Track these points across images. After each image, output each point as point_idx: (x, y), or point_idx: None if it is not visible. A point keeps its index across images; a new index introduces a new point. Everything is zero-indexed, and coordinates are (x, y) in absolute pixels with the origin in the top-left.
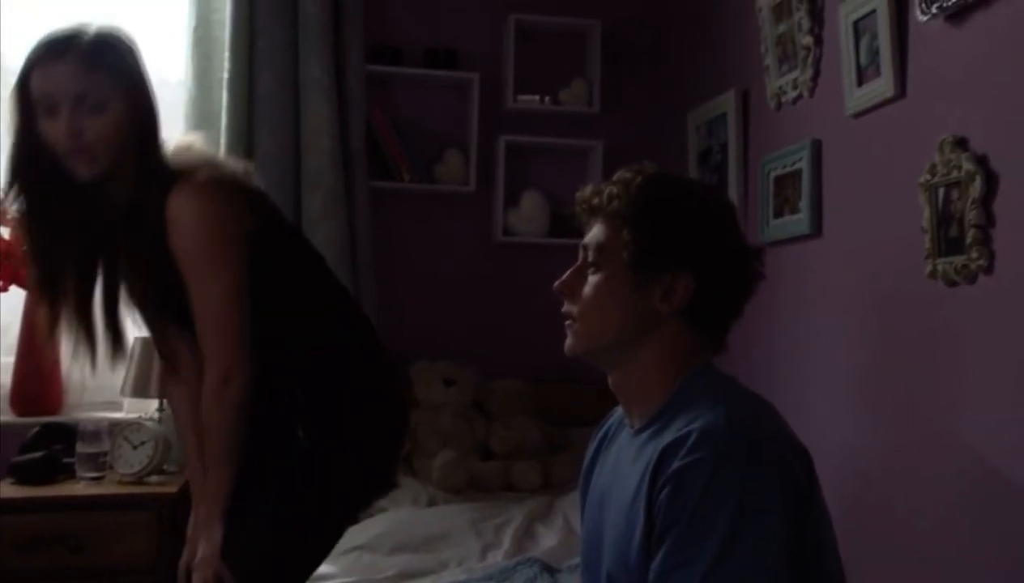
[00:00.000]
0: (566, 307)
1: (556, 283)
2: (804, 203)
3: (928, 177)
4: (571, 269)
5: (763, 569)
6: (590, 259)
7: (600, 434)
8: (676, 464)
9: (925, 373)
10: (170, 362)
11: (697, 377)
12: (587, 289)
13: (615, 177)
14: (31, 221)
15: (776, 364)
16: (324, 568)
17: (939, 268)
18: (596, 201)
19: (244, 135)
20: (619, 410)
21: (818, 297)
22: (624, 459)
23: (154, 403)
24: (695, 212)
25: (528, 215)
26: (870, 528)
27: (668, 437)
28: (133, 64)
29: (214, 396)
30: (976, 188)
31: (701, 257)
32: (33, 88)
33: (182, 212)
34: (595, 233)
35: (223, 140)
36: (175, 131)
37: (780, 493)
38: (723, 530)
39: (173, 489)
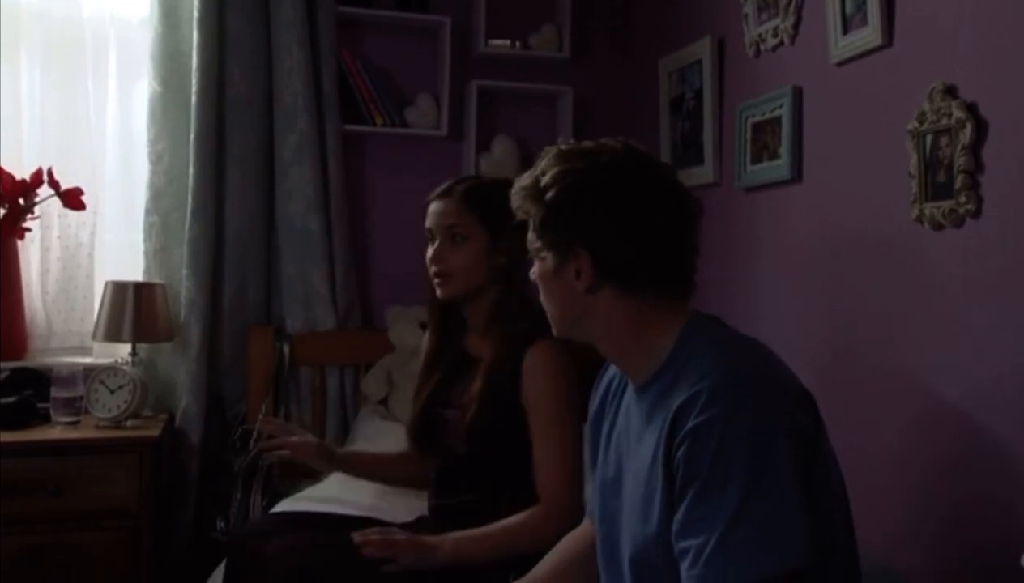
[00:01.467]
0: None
1: (530, 272)
2: (784, 149)
3: (917, 124)
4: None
5: (782, 516)
6: (530, 252)
7: (603, 387)
8: (690, 423)
9: (908, 315)
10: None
11: (691, 333)
12: (537, 280)
13: (536, 163)
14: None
15: (756, 308)
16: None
17: (926, 212)
18: (512, 198)
19: (215, 76)
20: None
21: (797, 240)
22: (635, 418)
23: (126, 347)
24: (579, 191)
25: (499, 160)
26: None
27: (679, 397)
28: (503, 209)
29: (536, 527)
30: (966, 135)
31: (590, 234)
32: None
33: (544, 364)
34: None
35: (194, 80)
36: (140, 70)
37: (789, 442)
38: (740, 482)
39: (154, 433)
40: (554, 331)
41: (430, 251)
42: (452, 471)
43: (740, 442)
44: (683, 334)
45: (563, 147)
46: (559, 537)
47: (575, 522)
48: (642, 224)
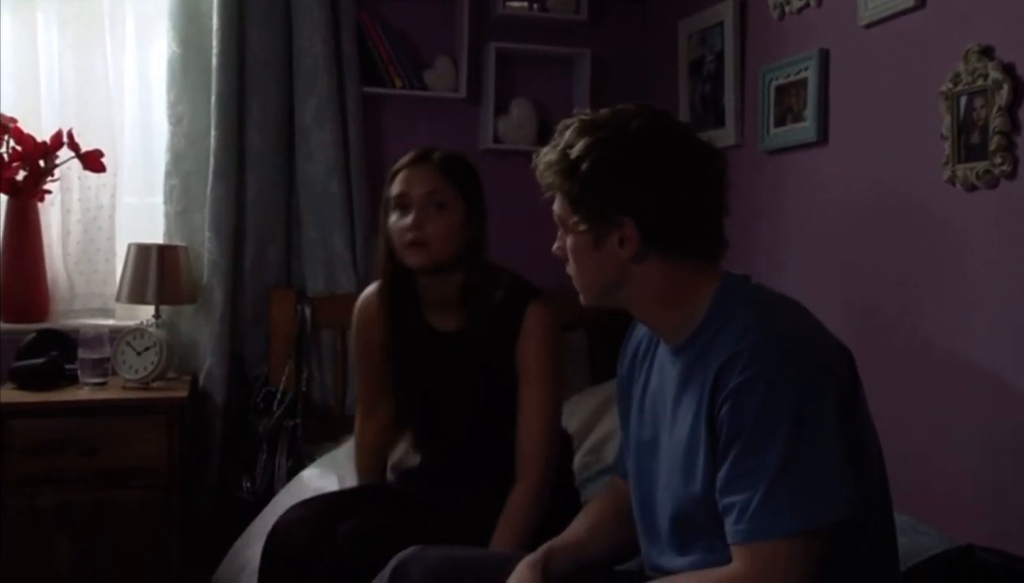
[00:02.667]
0: (567, 267)
1: (553, 247)
2: (809, 112)
3: (951, 86)
4: (559, 234)
5: (825, 471)
6: (560, 227)
7: (631, 349)
8: (733, 381)
9: (937, 276)
10: (367, 417)
11: (727, 294)
12: (568, 253)
13: (554, 138)
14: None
15: (780, 271)
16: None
17: (958, 174)
18: (538, 175)
19: (236, 38)
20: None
21: (823, 201)
22: (671, 378)
23: (148, 310)
24: (614, 160)
25: (517, 123)
26: None
27: (720, 357)
28: (474, 181)
29: (531, 503)
30: (1003, 96)
31: (632, 201)
32: (393, 188)
33: (544, 323)
34: (555, 204)
35: (215, 42)
36: (157, 31)
37: (831, 397)
38: (784, 437)
39: (183, 393)
40: (583, 300)
41: (404, 219)
42: (446, 461)
43: (783, 399)
44: (718, 294)
45: (584, 117)
46: (546, 508)
47: (553, 481)
48: (679, 186)
